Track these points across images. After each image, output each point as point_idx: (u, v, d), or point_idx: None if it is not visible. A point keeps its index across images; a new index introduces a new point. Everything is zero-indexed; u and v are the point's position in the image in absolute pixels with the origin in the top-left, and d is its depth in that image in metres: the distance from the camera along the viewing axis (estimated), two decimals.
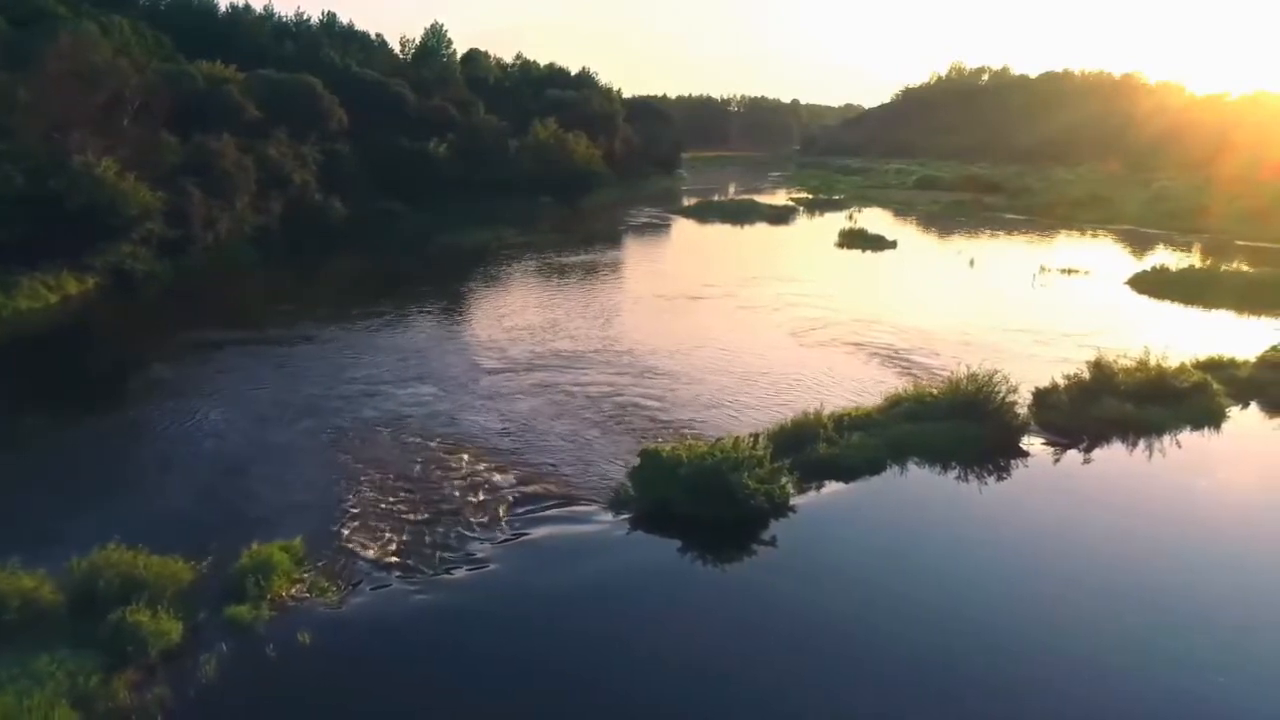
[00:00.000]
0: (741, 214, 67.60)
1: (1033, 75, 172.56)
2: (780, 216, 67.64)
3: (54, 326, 28.84)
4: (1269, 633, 12.16)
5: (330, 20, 77.86)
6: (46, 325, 28.72)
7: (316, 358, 25.37)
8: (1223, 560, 14.40)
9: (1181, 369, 21.32)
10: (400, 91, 63.93)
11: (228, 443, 18.41)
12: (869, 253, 48.76)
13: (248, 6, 71.77)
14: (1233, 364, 23.11)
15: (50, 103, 34.56)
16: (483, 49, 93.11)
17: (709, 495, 14.64)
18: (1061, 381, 20.50)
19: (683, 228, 63.54)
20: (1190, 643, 11.86)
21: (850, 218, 64.16)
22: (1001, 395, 18.67)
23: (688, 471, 14.86)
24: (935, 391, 19.66)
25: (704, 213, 69.55)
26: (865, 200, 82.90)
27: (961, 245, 53.75)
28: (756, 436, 16.25)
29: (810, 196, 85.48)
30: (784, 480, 15.56)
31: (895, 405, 19.38)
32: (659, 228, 63.37)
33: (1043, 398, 20.23)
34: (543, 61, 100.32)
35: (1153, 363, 21.03)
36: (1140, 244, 54.54)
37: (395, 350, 26.09)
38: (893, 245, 50.39)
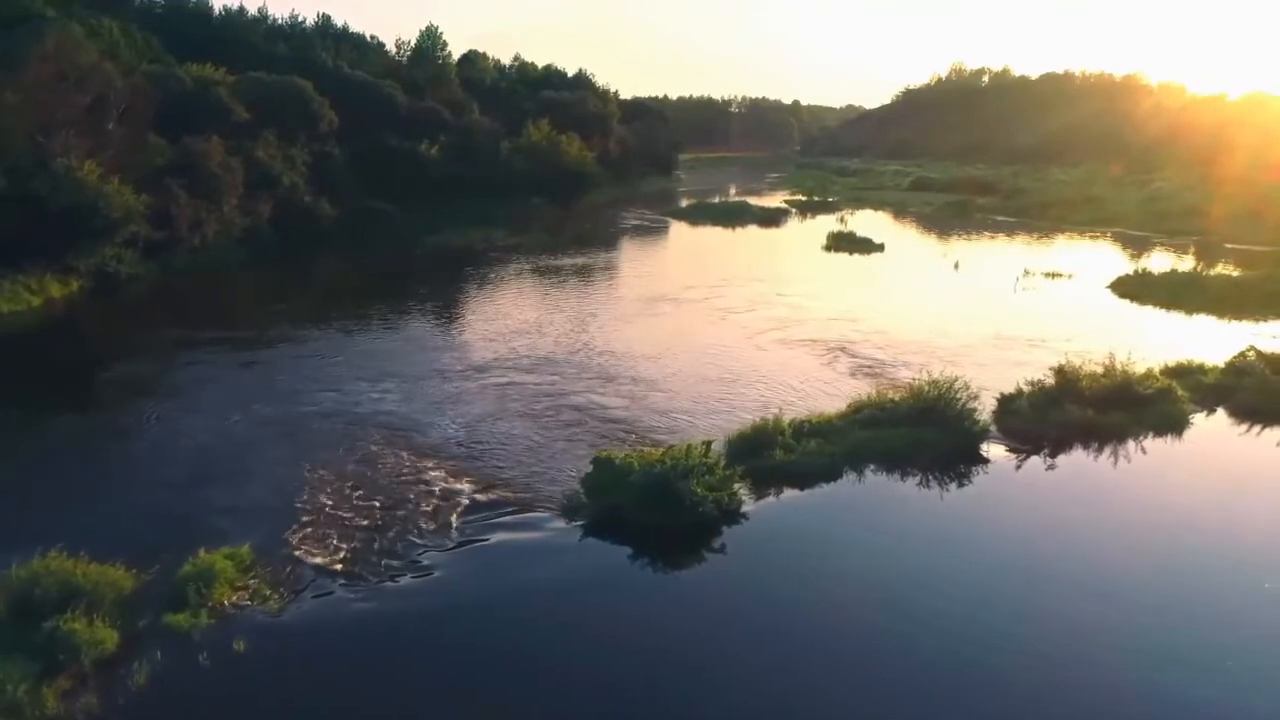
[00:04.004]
0: (733, 216, 67.66)
1: (1033, 76, 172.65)
2: (772, 219, 67.62)
3: (35, 329, 28.94)
4: (1217, 628, 12.26)
5: (325, 22, 78.11)
6: (27, 328, 28.81)
7: (292, 359, 25.53)
8: (1178, 559, 14.54)
9: (1147, 375, 21.30)
10: (392, 93, 64.00)
11: (190, 446, 18.50)
12: (856, 256, 48.73)
13: (242, 9, 72.09)
14: (1201, 369, 23.13)
15: (35, 104, 34.74)
16: (483, 50, 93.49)
17: (658, 502, 14.70)
18: (1025, 387, 20.52)
19: (673, 230, 63.59)
20: (1150, 637, 12.09)
21: (841, 220, 64.17)
22: (962, 401, 18.73)
23: (637, 478, 14.93)
24: (896, 397, 19.71)
25: (696, 214, 69.56)
26: (859, 202, 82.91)
27: (949, 248, 53.76)
28: (708, 443, 16.31)
29: (805, 198, 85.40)
30: (735, 487, 15.64)
31: (857, 411, 19.41)
32: (649, 229, 63.44)
33: (1006, 403, 20.28)
34: (543, 62, 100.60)
35: (1119, 368, 21.04)
36: (1130, 246, 54.51)
37: (369, 353, 26.20)
38: (880, 248, 50.36)
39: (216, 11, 68.61)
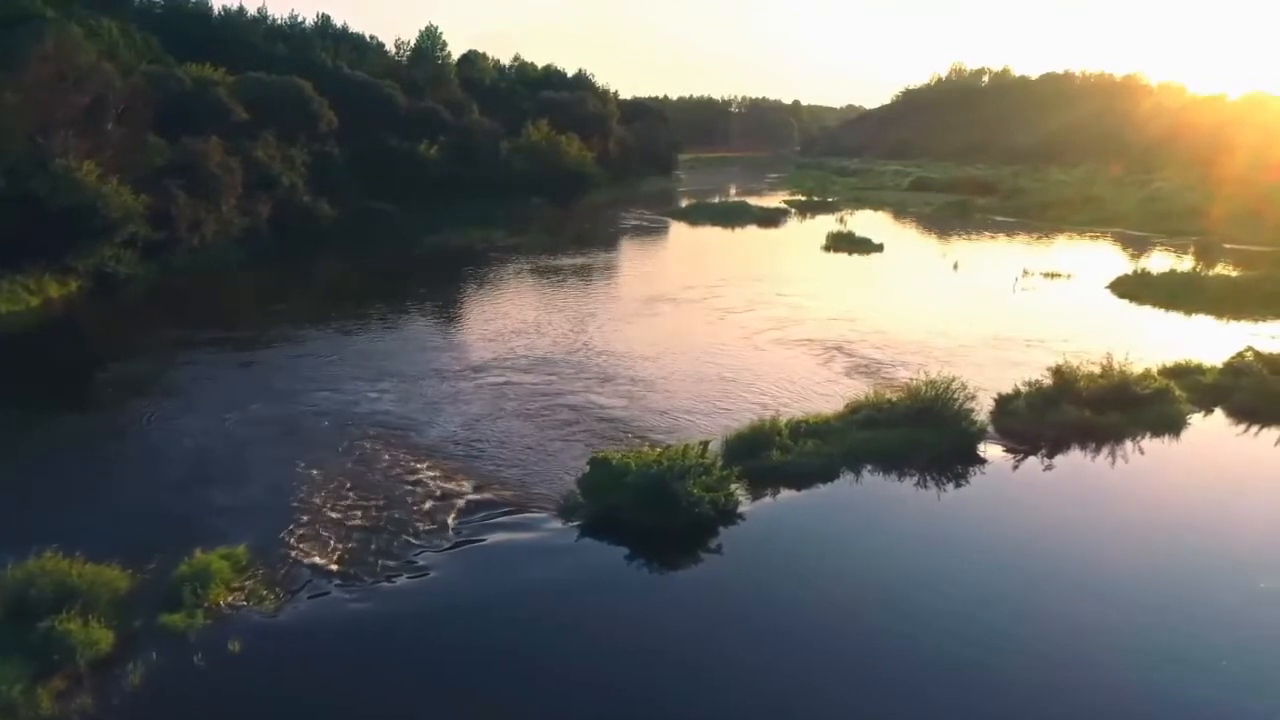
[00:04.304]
0: (732, 216, 67.61)
1: (1033, 76, 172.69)
2: (771, 219, 67.56)
3: (34, 329, 28.90)
4: (1208, 628, 12.24)
5: (324, 22, 78.17)
6: (26, 328, 28.77)
7: (290, 359, 25.51)
8: (1176, 559, 14.56)
9: (1145, 375, 21.27)
10: (391, 93, 64.03)
11: (187, 446, 18.48)
12: (855, 256, 48.71)
13: (241, 9, 72.14)
14: (1199, 369, 23.10)
15: (34, 104, 34.72)
16: (483, 50, 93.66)
17: (655, 502, 14.67)
18: (1023, 388, 20.50)
19: (672, 230, 63.55)
20: (1150, 637, 12.11)
21: (840, 220, 64.15)
22: (960, 401, 18.70)
23: (634, 479, 14.90)
24: (894, 398, 19.67)
25: (695, 214, 69.50)
26: (859, 202, 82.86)
27: (948, 248, 53.73)
28: (705, 443, 16.30)
29: (804, 198, 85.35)
30: (732, 487, 15.62)
31: (854, 411, 19.37)
32: (648, 230, 63.40)
33: (1004, 404, 20.26)
34: (543, 62, 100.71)
35: (1116, 369, 21.01)
36: (1129, 246, 54.48)
37: (367, 353, 26.17)
38: (879, 249, 50.34)
39: (216, 11, 68.75)
